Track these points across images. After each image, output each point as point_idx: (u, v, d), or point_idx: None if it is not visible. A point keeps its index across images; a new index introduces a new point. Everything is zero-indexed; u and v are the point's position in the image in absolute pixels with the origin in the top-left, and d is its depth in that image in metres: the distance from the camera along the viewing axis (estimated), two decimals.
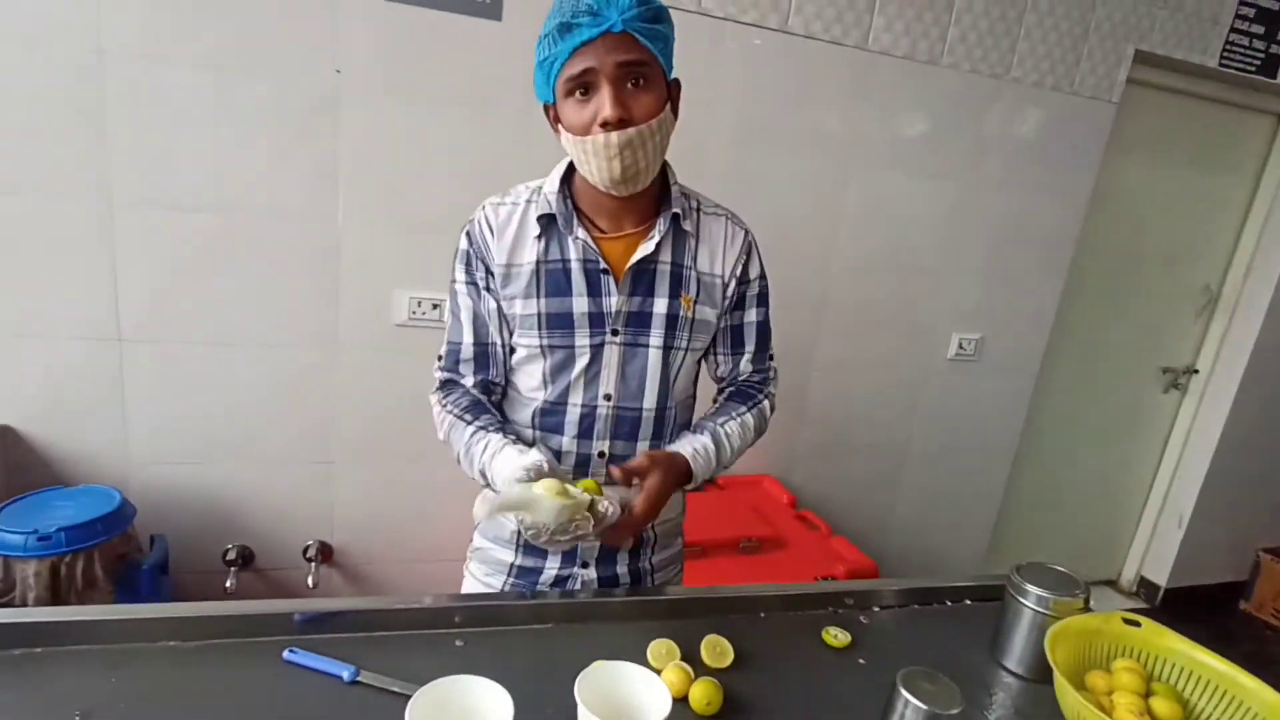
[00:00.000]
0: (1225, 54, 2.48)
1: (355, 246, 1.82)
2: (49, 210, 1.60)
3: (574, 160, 0.99)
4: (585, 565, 1.11)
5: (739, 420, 1.10)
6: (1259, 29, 2.49)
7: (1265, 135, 2.85)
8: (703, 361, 1.17)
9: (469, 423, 1.02)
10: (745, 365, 1.16)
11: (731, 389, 1.18)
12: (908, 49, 2.15)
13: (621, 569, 1.14)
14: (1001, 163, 2.37)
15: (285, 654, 0.83)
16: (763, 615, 1.06)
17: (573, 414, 1.06)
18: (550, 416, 1.06)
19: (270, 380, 1.85)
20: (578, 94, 0.91)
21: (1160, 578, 3.25)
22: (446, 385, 1.10)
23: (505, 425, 1.05)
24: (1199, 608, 3.20)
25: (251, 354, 1.81)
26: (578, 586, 1.11)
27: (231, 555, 1.91)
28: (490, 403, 1.09)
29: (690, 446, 1.04)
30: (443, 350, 1.10)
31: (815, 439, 2.46)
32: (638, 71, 0.91)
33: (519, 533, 1.11)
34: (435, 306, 1.90)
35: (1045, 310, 2.62)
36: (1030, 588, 0.94)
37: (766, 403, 1.17)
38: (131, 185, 1.64)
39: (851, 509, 2.57)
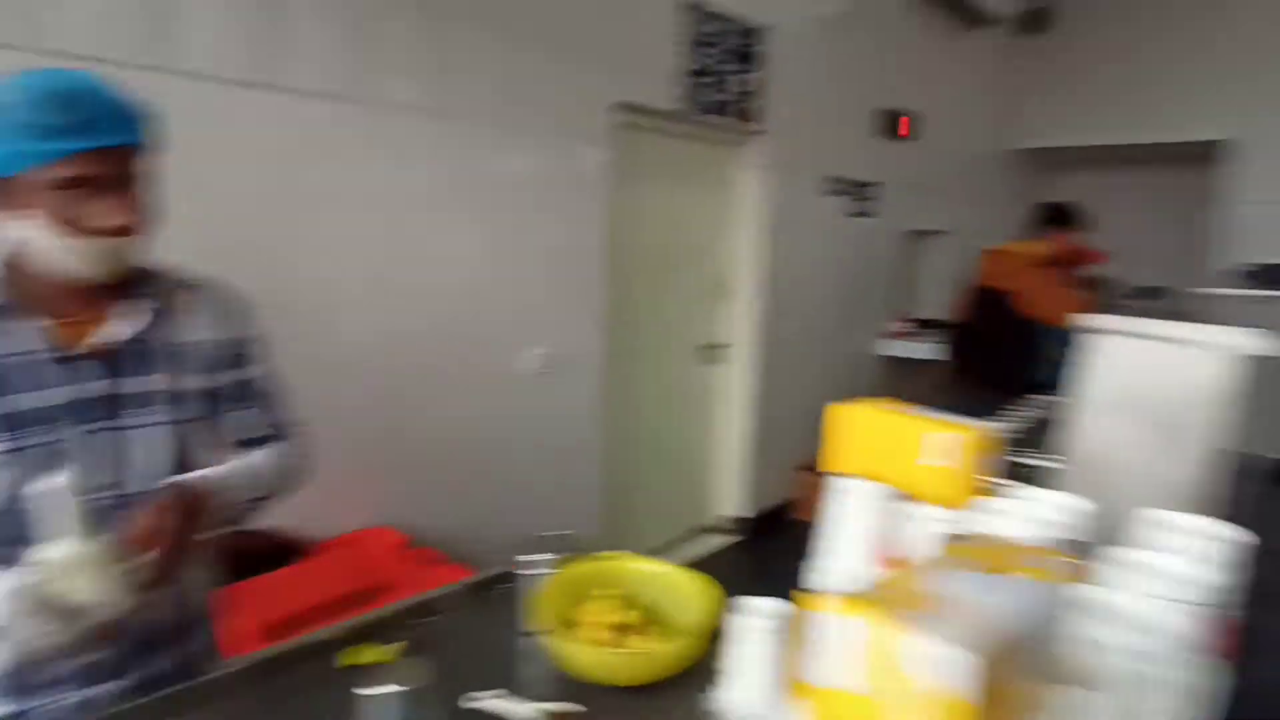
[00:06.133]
0: (684, 100, 3.20)
1: None
2: None
3: (34, 250, 0.90)
4: (118, 675, 1.01)
5: (245, 461, 1.11)
6: (706, 80, 3.26)
7: (729, 158, 3.73)
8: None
9: None
10: (251, 421, 1.15)
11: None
12: (412, 101, 2.34)
13: (167, 663, 1.06)
14: (533, 198, 2.73)
15: None
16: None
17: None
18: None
19: None
20: (68, 189, 0.86)
21: (745, 512, 4.03)
22: None
23: None
24: (774, 526, 4.06)
25: None
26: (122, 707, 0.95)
27: None
28: None
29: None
30: None
31: (424, 476, 2.54)
32: (139, 176, 0.91)
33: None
34: None
35: (597, 314, 3.07)
36: (524, 559, 1.14)
37: (282, 446, 1.17)
38: None
39: (471, 532, 2.68)
